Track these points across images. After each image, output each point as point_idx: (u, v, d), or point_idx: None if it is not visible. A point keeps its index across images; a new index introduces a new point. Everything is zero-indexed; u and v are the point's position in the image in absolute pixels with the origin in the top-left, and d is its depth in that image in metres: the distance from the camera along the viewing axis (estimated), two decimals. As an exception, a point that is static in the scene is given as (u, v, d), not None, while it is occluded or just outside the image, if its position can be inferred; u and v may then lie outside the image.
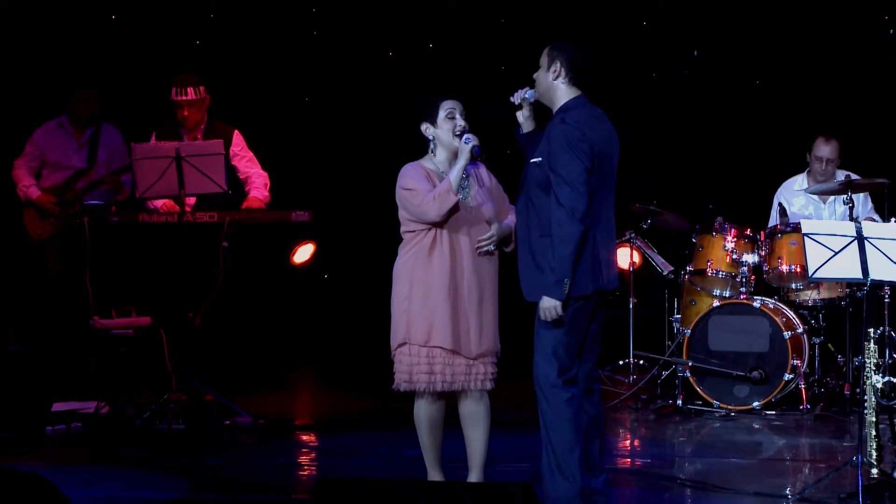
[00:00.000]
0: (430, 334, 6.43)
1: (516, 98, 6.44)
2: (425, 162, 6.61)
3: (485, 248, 6.52)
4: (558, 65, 6.28)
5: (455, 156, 6.51)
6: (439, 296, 6.43)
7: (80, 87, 9.90)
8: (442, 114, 6.52)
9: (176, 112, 9.20)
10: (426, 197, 6.42)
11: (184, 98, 9.16)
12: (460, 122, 6.52)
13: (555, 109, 6.31)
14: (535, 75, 6.37)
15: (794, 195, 9.85)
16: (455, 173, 6.45)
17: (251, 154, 9.36)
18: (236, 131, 9.34)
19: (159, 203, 9.04)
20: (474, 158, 6.49)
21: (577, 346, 6.24)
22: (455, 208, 6.43)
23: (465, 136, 6.48)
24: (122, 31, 11.56)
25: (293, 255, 10.76)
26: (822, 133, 9.69)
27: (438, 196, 6.40)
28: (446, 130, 6.53)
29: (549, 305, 6.13)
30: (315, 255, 10.68)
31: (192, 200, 9.03)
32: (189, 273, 8.92)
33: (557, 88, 6.30)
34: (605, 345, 6.51)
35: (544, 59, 6.33)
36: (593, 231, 6.18)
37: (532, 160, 6.25)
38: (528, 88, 6.41)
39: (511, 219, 6.60)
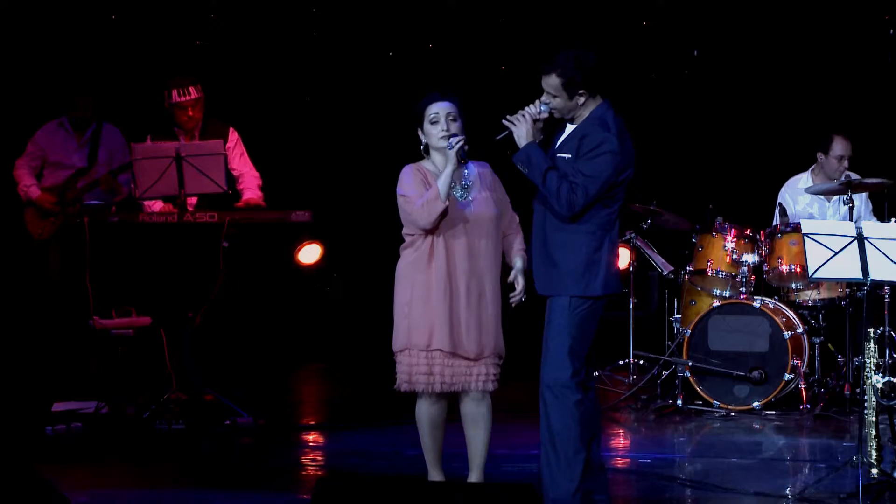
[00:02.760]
0: (431, 339, 6.42)
1: (533, 113, 6.33)
2: (426, 163, 6.60)
3: (517, 300, 6.53)
4: (583, 93, 6.22)
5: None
6: (437, 299, 6.42)
7: (77, 91, 9.88)
8: (426, 119, 6.52)
9: (178, 114, 9.19)
10: (416, 205, 6.42)
11: (188, 98, 9.16)
12: (444, 125, 6.48)
13: (581, 120, 6.28)
14: (548, 102, 6.25)
15: (799, 193, 9.83)
16: (442, 179, 6.42)
17: (245, 152, 9.37)
18: (232, 128, 9.34)
19: (156, 206, 9.04)
20: (461, 161, 6.47)
21: (588, 348, 6.25)
22: (445, 213, 6.41)
23: (450, 139, 6.45)
24: (121, 32, 11.55)
25: (297, 254, 10.76)
26: (836, 131, 9.65)
27: (426, 204, 6.40)
28: (433, 136, 6.52)
29: (518, 133, 6.27)
30: (324, 257, 10.68)
31: (193, 200, 9.03)
32: (189, 273, 8.92)
33: (586, 106, 6.27)
34: (605, 345, 6.52)
35: (559, 89, 6.21)
36: (608, 237, 6.21)
37: (560, 154, 6.25)
38: (539, 102, 6.34)
39: (519, 244, 6.61)
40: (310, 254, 10.90)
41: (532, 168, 6.23)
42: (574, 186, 6.11)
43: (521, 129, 6.28)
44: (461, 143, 6.40)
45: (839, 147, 9.62)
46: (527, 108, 6.34)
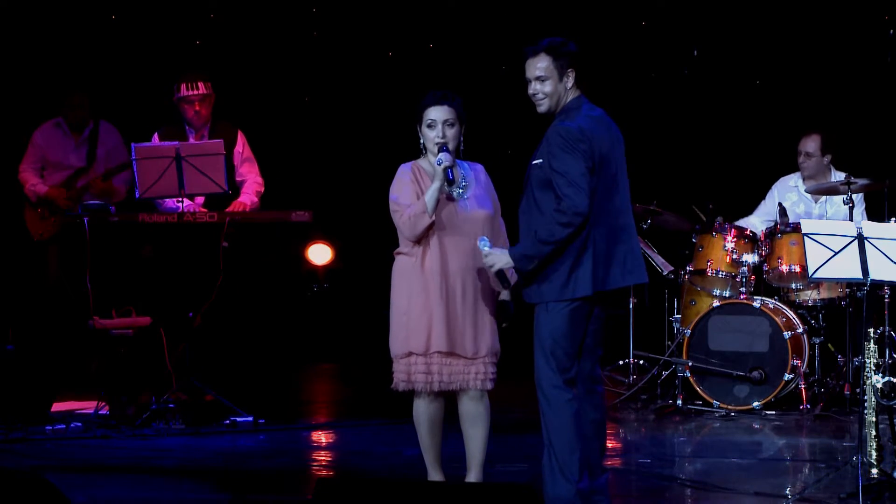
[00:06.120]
0: (430, 342, 6.43)
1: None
2: (422, 161, 6.60)
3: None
4: (571, 72, 6.24)
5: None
6: (434, 301, 6.41)
7: (71, 91, 9.86)
8: (424, 122, 6.52)
9: (185, 109, 9.18)
10: (403, 216, 6.43)
11: (195, 93, 9.15)
12: (439, 132, 6.48)
13: (556, 112, 6.29)
14: (539, 88, 6.23)
15: (789, 190, 9.88)
16: (429, 195, 6.42)
17: (253, 157, 9.37)
18: (240, 132, 9.34)
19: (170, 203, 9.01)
20: (448, 182, 6.45)
21: (576, 347, 6.24)
22: (432, 226, 6.41)
23: (438, 156, 6.44)
24: (122, 31, 11.56)
25: (307, 254, 10.76)
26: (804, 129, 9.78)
27: (412, 217, 6.41)
28: (429, 139, 6.53)
29: (500, 262, 6.22)
30: (337, 257, 10.68)
31: (200, 200, 9.05)
32: (189, 273, 8.93)
33: (567, 94, 6.28)
34: (605, 345, 6.50)
35: (550, 69, 6.22)
36: (593, 233, 6.16)
37: (533, 162, 6.24)
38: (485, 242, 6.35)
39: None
40: (321, 254, 10.89)
41: (531, 252, 6.15)
42: (562, 194, 6.07)
43: (498, 263, 6.28)
44: (448, 164, 6.39)
45: (799, 142, 9.71)
46: (489, 257, 6.33)
